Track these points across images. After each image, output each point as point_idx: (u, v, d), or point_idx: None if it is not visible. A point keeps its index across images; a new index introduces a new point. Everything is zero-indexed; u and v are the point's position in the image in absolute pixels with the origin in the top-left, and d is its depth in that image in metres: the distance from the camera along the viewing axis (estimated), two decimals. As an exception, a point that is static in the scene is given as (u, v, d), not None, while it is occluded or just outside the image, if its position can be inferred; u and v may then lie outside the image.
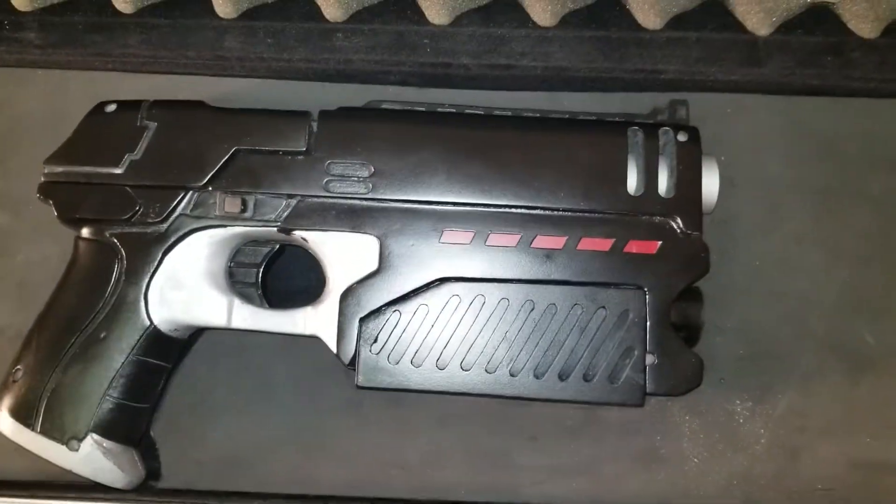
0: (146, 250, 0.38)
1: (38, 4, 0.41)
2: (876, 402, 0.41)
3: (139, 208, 0.38)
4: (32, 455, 0.36)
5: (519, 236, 0.37)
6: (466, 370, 0.37)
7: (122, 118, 0.39)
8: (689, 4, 0.40)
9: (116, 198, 0.38)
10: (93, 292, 0.37)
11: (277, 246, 0.40)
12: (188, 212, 0.38)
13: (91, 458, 0.36)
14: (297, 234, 0.38)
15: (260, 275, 0.40)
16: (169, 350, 0.39)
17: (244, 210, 0.38)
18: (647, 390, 0.36)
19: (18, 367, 0.37)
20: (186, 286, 0.38)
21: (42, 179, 0.39)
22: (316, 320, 0.38)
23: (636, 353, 0.36)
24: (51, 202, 0.38)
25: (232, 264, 0.40)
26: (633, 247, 0.37)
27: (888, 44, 0.40)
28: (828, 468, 0.40)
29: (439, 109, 0.40)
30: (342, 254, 0.38)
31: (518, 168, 0.38)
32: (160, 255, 0.38)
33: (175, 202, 0.38)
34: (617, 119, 0.40)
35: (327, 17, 0.41)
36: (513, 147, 0.38)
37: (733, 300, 0.42)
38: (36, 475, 0.40)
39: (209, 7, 0.41)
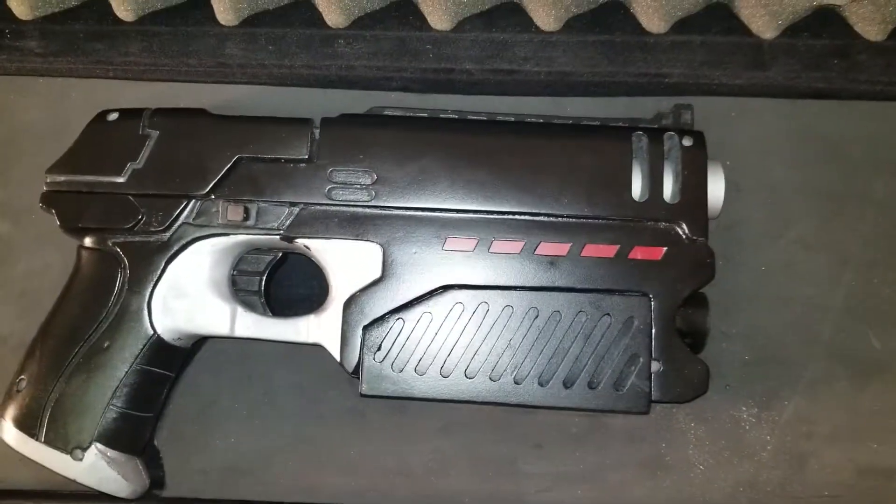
0: (149, 259, 0.38)
1: (39, 13, 0.41)
2: (883, 407, 0.40)
3: (142, 217, 0.38)
4: (36, 465, 0.36)
5: (523, 243, 0.37)
6: (470, 378, 0.37)
7: (124, 127, 0.39)
8: (693, 8, 0.40)
9: (119, 207, 0.38)
10: (96, 302, 0.37)
11: (280, 254, 0.40)
12: (191, 220, 0.38)
13: (95, 467, 0.36)
14: (300, 241, 0.38)
15: (263, 283, 0.40)
16: (172, 359, 0.39)
17: (247, 218, 0.38)
18: (653, 398, 0.36)
19: (22, 376, 0.37)
20: (189, 295, 0.38)
21: (44, 189, 0.39)
22: (319, 328, 0.38)
23: (641, 360, 0.36)
24: (53, 212, 0.38)
25: (235, 272, 0.40)
26: (638, 253, 0.37)
27: (895, 46, 0.40)
28: (835, 475, 0.40)
29: (442, 115, 0.40)
30: (345, 262, 0.38)
31: (521, 174, 0.38)
32: (163, 264, 0.38)
33: (178, 211, 0.38)
34: (621, 124, 0.40)
35: (329, 23, 0.40)
36: (516, 153, 0.38)
37: (739, 306, 0.41)
38: (40, 485, 0.41)
39: (210, 14, 0.41)
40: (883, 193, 0.42)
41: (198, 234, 0.38)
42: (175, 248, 0.38)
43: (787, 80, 0.40)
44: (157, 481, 0.41)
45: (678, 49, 0.40)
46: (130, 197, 0.38)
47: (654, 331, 0.36)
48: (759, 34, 0.40)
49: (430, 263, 0.37)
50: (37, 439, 0.36)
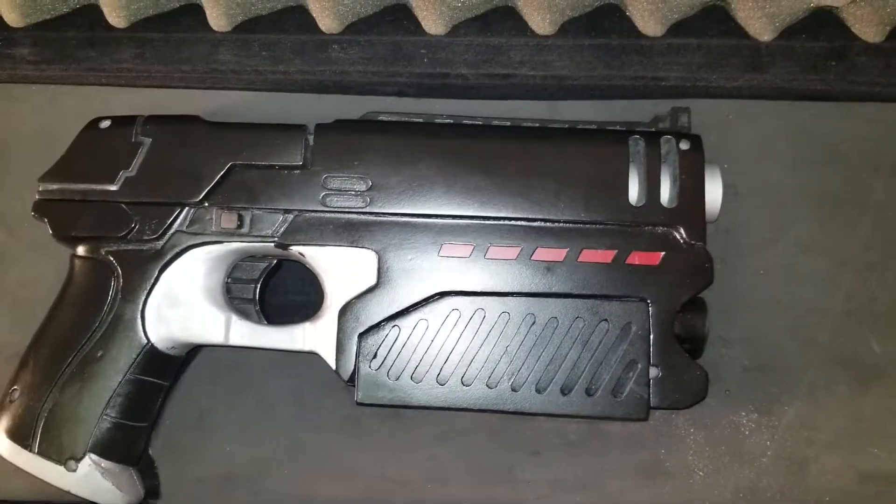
0: (142, 268, 0.37)
1: (31, 20, 0.41)
2: (883, 412, 0.40)
3: (135, 225, 0.37)
4: (30, 476, 0.36)
5: (519, 249, 0.37)
6: (467, 385, 0.36)
7: (117, 134, 0.38)
8: (690, 10, 0.39)
9: (112, 215, 0.38)
10: (89, 311, 0.37)
11: (275, 261, 0.40)
12: (184, 228, 0.38)
13: (89, 478, 0.36)
14: (295, 249, 0.38)
15: (257, 290, 0.40)
16: (166, 368, 0.39)
17: (241, 226, 0.38)
18: (652, 404, 0.36)
19: (15, 387, 0.37)
20: (183, 303, 0.38)
21: (36, 197, 0.38)
22: (314, 336, 0.37)
23: (640, 366, 0.36)
24: (46, 220, 0.38)
25: (229, 280, 0.40)
26: (636, 258, 0.37)
27: (893, 48, 0.40)
28: (835, 480, 0.40)
29: (437, 120, 0.40)
30: (340, 269, 0.37)
31: (517, 179, 0.37)
32: (157, 273, 0.37)
33: (171, 219, 0.38)
34: (618, 128, 0.40)
35: (323, 28, 0.40)
36: (512, 158, 0.38)
37: (738, 310, 0.41)
38: (34, 496, 0.40)
39: (203, 20, 0.40)
40: (882, 195, 0.42)
41: (192, 242, 0.38)
42: (169, 256, 0.37)
43: (785, 82, 0.40)
44: (151, 491, 0.40)
45: (675, 52, 0.40)
46: (123, 205, 0.38)
47: (652, 337, 0.36)
48: (757, 36, 0.40)
49: (425, 270, 0.37)
50: (30, 450, 0.36)
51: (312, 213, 0.38)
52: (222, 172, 0.38)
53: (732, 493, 0.40)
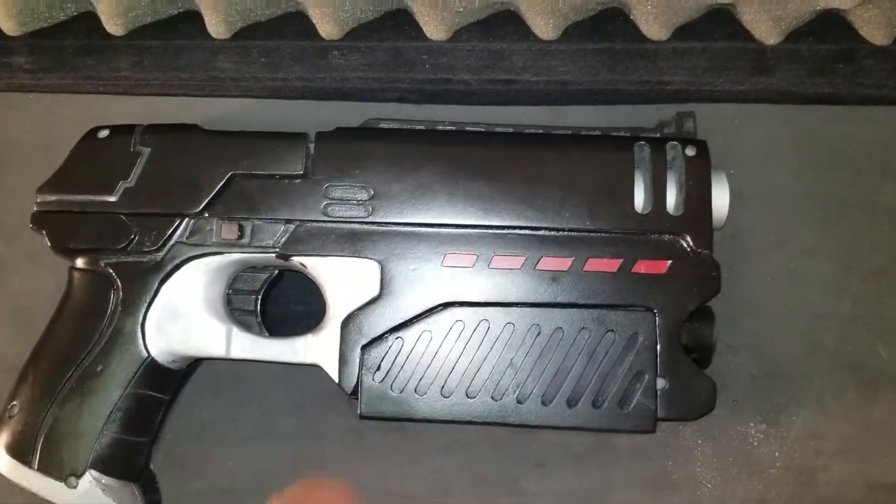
0: (142, 280, 0.37)
1: (28, 28, 0.41)
2: (892, 419, 0.40)
3: (134, 237, 0.37)
4: (30, 493, 0.35)
5: (523, 258, 0.36)
6: (472, 398, 0.36)
7: (115, 144, 0.38)
8: (695, 14, 0.39)
9: (111, 226, 0.37)
10: (88, 324, 0.37)
11: (276, 271, 0.40)
12: (184, 239, 0.37)
13: (90, 495, 0.35)
14: (296, 259, 0.37)
15: (259, 302, 0.39)
16: (167, 382, 0.38)
17: (241, 236, 0.37)
18: (659, 416, 0.35)
19: (14, 402, 0.36)
20: (184, 316, 0.37)
21: (35, 209, 0.38)
22: (317, 348, 0.37)
23: (647, 377, 0.35)
24: (44, 232, 0.37)
25: (230, 291, 0.39)
26: (642, 267, 0.36)
27: (902, 51, 0.39)
28: (845, 490, 0.39)
29: (439, 127, 0.39)
30: (342, 279, 0.37)
31: (521, 187, 0.37)
32: (156, 285, 0.37)
33: (171, 230, 0.37)
34: (622, 133, 0.39)
35: (322, 34, 0.40)
36: (515, 165, 0.37)
37: (745, 317, 0.41)
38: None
39: (201, 27, 0.40)
40: (890, 199, 0.42)
41: (192, 254, 0.37)
42: (169, 268, 0.37)
43: (792, 85, 0.39)
44: (153, 505, 0.40)
45: (679, 56, 0.39)
46: (122, 216, 0.37)
47: (659, 347, 0.35)
48: (762, 40, 0.39)
49: (429, 280, 0.36)
50: (30, 467, 0.35)
51: (314, 223, 0.37)
52: (222, 182, 0.37)
53: None
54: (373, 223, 0.37)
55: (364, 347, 0.36)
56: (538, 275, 0.36)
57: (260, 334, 0.39)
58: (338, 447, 0.40)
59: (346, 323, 0.36)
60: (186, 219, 0.37)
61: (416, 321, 0.36)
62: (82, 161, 0.38)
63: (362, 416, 0.36)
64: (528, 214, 0.37)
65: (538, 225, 0.37)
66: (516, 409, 0.36)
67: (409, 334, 0.36)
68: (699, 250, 0.36)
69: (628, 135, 0.39)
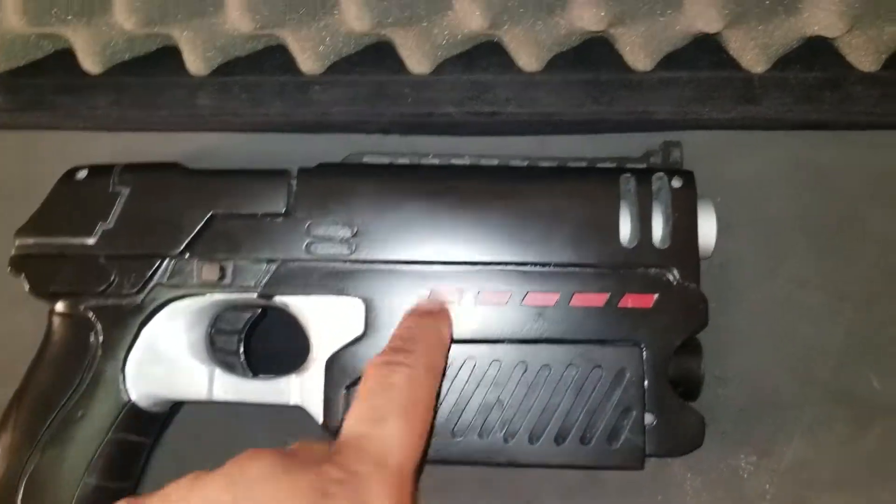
0: (122, 323, 0.36)
1: (3, 67, 0.40)
2: (886, 450, 0.39)
3: (114, 279, 0.37)
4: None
5: (509, 294, 0.36)
6: (458, 437, 0.35)
7: (94, 185, 0.37)
8: (680, 42, 0.38)
9: (90, 270, 0.37)
10: (68, 369, 0.36)
11: (259, 310, 0.39)
12: (164, 281, 0.37)
13: (73, 541, 0.35)
14: (279, 299, 0.37)
15: (241, 342, 0.39)
16: (149, 425, 0.38)
17: (223, 277, 0.37)
18: (647, 452, 0.35)
19: (-4, 448, 0.36)
20: (165, 359, 0.37)
21: (13, 252, 0.37)
22: (301, 389, 0.37)
23: (634, 413, 0.35)
24: (23, 276, 0.37)
25: (212, 331, 0.39)
26: (629, 301, 0.36)
27: (889, 77, 0.39)
28: (839, 522, 0.39)
29: (423, 161, 0.39)
30: (326, 318, 0.37)
31: (506, 222, 0.36)
32: (137, 328, 0.36)
33: (151, 272, 0.37)
34: (608, 164, 0.39)
35: (303, 69, 0.39)
36: (499, 200, 0.37)
37: (733, 349, 0.40)
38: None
39: (180, 64, 0.39)
40: (881, 226, 0.41)
41: (172, 295, 0.37)
42: (149, 310, 0.37)
43: (779, 113, 0.39)
44: (139, 548, 0.40)
45: (665, 86, 0.39)
46: (101, 259, 0.37)
47: (646, 382, 0.35)
48: (749, 68, 0.39)
49: (413, 318, 0.36)
50: (14, 514, 0.35)
51: (296, 263, 0.37)
52: (202, 222, 0.37)
53: (732, 538, 0.39)
54: (356, 261, 0.37)
55: (349, 387, 0.36)
56: (524, 310, 0.36)
57: (243, 375, 0.38)
58: (324, 487, 0.40)
59: (331, 363, 0.36)
60: (166, 260, 0.37)
61: (402, 360, 0.36)
62: (60, 203, 0.38)
63: (347, 458, 0.35)
64: (514, 249, 0.36)
65: (523, 260, 0.36)
66: (503, 448, 0.35)
67: (395, 373, 0.36)
68: (686, 283, 0.36)
69: (614, 165, 0.39)
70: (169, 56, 0.40)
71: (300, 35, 0.38)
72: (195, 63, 0.39)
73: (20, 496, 0.35)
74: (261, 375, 0.38)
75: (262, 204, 0.37)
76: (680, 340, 0.36)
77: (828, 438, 0.40)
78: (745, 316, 0.41)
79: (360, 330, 0.36)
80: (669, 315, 0.36)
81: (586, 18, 0.36)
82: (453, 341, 0.36)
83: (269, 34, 0.39)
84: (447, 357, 0.33)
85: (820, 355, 0.40)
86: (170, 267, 0.37)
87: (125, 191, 0.37)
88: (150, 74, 0.40)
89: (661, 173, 0.37)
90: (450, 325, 0.32)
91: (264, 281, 0.37)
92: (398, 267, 0.37)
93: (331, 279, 0.37)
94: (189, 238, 0.37)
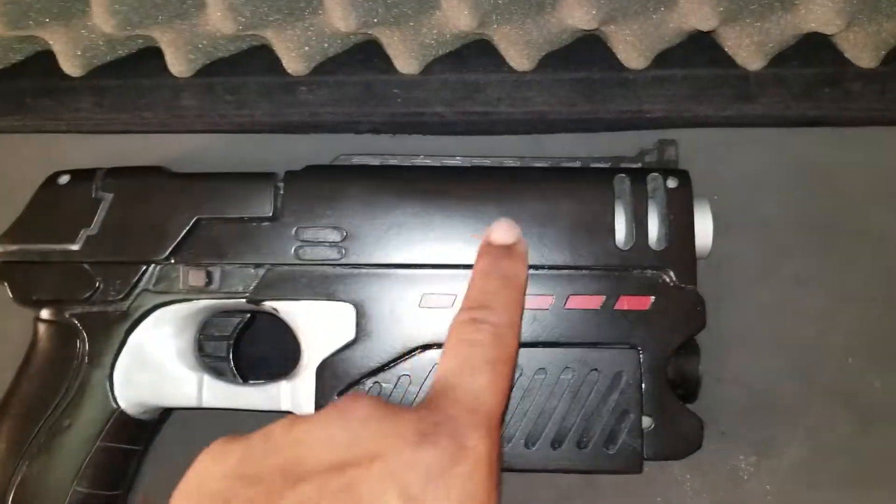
0: (108, 330, 0.36)
1: (-19, 71, 0.40)
2: (887, 451, 0.39)
3: (99, 286, 0.36)
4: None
5: (503, 297, 0.36)
6: (453, 443, 0.35)
7: (76, 190, 0.37)
8: (675, 40, 0.38)
9: (74, 276, 0.36)
10: (54, 377, 0.36)
11: (248, 315, 0.39)
12: (150, 287, 0.37)
13: (62, 553, 0.35)
14: (268, 304, 0.37)
15: (231, 348, 0.39)
16: (139, 433, 0.38)
17: (210, 283, 0.36)
18: (645, 455, 0.35)
19: (-18, 458, 0.36)
20: (153, 365, 0.37)
21: (-5, 259, 0.37)
22: (292, 395, 0.36)
23: (632, 416, 0.35)
24: (5, 284, 0.37)
25: (201, 337, 0.39)
26: (625, 303, 0.36)
27: (888, 72, 0.38)
28: (839, 524, 0.39)
29: (414, 162, 0.39)
30: (317, 323, 0.36)
31: (499, 224, 0.36)
32: (123, 335, 0.36)
33: (136, 278, 0.36)
34: (602, 164, 0.39)
35: (288, 70, 0.39)
36: (492, 201, 0.36)
37: (732, 349, 0.40)
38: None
39: (162, 65, 0.39)
40: (882, 224, 0.41)
41: (158, 301, 0.36)
42: (135, 316, 0.36)
43: (777, 111, 0.39)
44: (130, 559, 0.40)
45: (659, 84, 0.39)
46: (86, 265, 0.37)
47: (644, 385, 0.35)
48: (745, 65, 0.38)
49: (406, 323, 0.36)
50: (2, 525, 0.35)
51: (285, 267, 0.36)
52: (188, 227, 0.36)
53: (732, 540, 0.39)
54: (346, 265, 0.36)
55: (340, 394, 0.36)
56: (518, 314, 0.36)
57: (233, 381, 0.38)
58: (317, 495, 0.40)
59: (322, 369, 0.36)
60: (152, 266, 0.37)
61: (394, 365, 0.36)
62: (42, 209, 0.37)
63: (339, 467, 0.35)
64: (507, 252, 0.36)
65: (517, 263, 0.36)
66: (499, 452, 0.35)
67: (387, 378, 0.36)
68: (683, 285, 0.36)
69: (608, 165, 0.39)
70: (151, 57, 0.40)
71: (284, 36, 0.38)
72: (178, 65, 0.39)
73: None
74: (251, 381, 0.38)
75: (249, 208, 0.37)
76: (677, 342, 0.36)
77: (829, 439, 0.40)
78: (743, 317, 0.41)
79: (351, 335, 0.36)
80: (666, 317, 0.36)
81: (577, 17, 0.35)
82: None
83: (252, 35, 0.39)
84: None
85: (820, 355, 0.40)
86: (155, 273, 0.37)
87: (108, 196, 0.37)
88: (132, 76, 0.40)
89: (657, 173, 0.37)
90: (526, 261, 0.32)
91: (253, 286, 0.36)
92: (389, 271, 0.36)
93: (321, 284, 0.36)
94: (174, 243, 0.36)
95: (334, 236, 0.37)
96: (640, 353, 0.35)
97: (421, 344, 0.36)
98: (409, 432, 0.25)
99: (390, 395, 0.36)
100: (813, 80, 0.39)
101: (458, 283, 0.36)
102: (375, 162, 0.39)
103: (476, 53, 0.39)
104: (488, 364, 0.28)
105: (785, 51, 0.39)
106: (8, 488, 0.35)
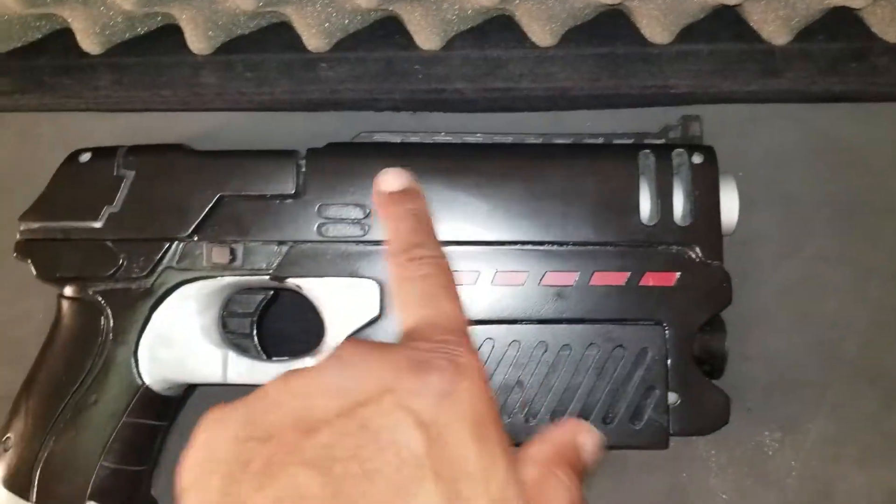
0: (133, 307, 0.37)
1: (1, 49, 0.40)
2: (913, 427, 0.40)
3: (122, 263, 0.37)
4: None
5: (527, 274, 0.37)
6: (478, 419, 0.36)
7: (98, 168, 0.38)
8: (699, 14, 0.38)
9: (97, 253, 0.37)
10: (79, 354, 0.37)
11: (272, 292, 0.40)
12: (174, 264, 0.37)
13: (89, 528, 0.36)
14: (291, 281, 0.37)
15: (255, 325, 0.39)
16: (164, 409, 0.38)
17: (233, 260, 0.37)
18: (671, 431, 0.35)
19: (9, 434, 0.37)
20: (178, 342, 0.37)
21: (18, 237, 0.38)
22: (316, 373, 0.37)
23: (658, 392, 0.35)
24: (29, 261, 0.37)
25: (225, 314, 0.39)
26: (650, 279, 0.36)
27: (917, 46, 0.39)
28: (865, 500, 0.40)
29: (435, 139, 0.39)
30: (340, 300, 0.37)
31: (522, 201, 0.37)
32: (148, 312, 0.37)
33: (159, 255, 0.37)
34: (626, 140, 0.39)
35: (309, 47, 0.39)
36: (516, 178, 0.37)
37: (758, 326, 0.41)
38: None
39: (182, 42, 0.39)
40: (908, 200, 0.42)
41: (182, 279, 0.37)
42: (159, 293, 0.37)
43: (803, 86, 0.39)
44: (155, 535, 0.40)
45: (684, 59, 0.39)
46: (109, 243, 0.37)
47: (669, 361, 0.36)
48: (771, 40, 0.38)
49: (429, 299, 0.36)
50: (28, 500, 0.36)
51: (308, 244, 0.37)
52: (211, 204, 0.37)
53: (757, 516, 0.40)
54: (369, 242, 0.37)
55: (365, 371, 0.36)
56: (543, 290, 0.36)
57: (257, 357, 0.39)
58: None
59: (346, 346, 0.36)
60: (175, 243, 0.37)
61: (418, 342, 0.36)
62: (65, 186, 0.38)
63: (365, 443, 0.36)
64: (530, 229, 0.37)
65: (541, 239, 0.37)
66: (525, 427, 0.36)
67: (411, 356, 0.36)
68: (709, 261, 0.36)
69: (632, 142, 0.39)
70: (170, 35, 0.40)
71: (305, 12, 0.38)
72: (197, 42, 0.39)
73: (36, 481, 0.36)
74: (275, 358, 0.39)
75: (271, 185, 0.37)
76: (703, 319, 0.36)
77: (853, 415, 0.40)
78: (769, 293, 0.41)
79: (375, 312, 0.37)
80: (692, 293, 0.36)
81: (601, -11, 0.36)
82: (472, 322, 0.36)
83: (272, 11, 0.39)
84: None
85: (846, 332, 0.41)
86: (179, 250, 0.37)
87: (130, 173, 0.37)
88: (151, 54, 0.40)
89: (681, 149, 0.37)
90: (423, 197, 0.33)
91: (276, 263, 0.37)
92: (412, 247, 0.37)
93: (344, 261, 0.37)
94: (197, 220, 0.37)
95: (357, 213, 0.37)
96: (665, 330, 0.36)
97: (445, 321, 0.36)
98: (408, 363, 0.25)
99: (414, 372, 0.36)
100: (839, 55, 0.39)
101: (481, 260, 0.37)
102: (397, 139, 0.39)
103: (498, 29, 0.39)
104: (444, 289, 0.29)
105: (811, 25, 0.39)
106: (35, 464, 0.36)
